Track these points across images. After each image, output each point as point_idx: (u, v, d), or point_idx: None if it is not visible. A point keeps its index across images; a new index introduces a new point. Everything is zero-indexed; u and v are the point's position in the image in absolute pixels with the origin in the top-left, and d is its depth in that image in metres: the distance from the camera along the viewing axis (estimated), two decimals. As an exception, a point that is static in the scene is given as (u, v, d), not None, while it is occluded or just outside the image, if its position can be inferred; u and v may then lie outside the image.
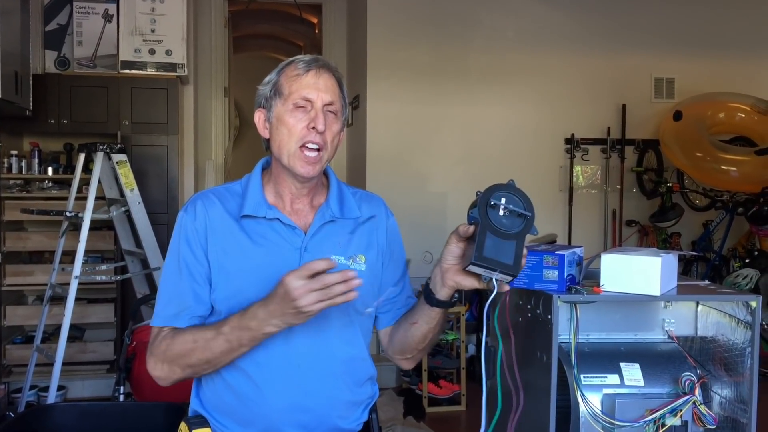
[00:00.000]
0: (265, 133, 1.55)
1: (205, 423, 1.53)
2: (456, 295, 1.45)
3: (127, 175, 3.99)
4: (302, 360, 1.49)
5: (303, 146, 1.47)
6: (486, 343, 1.48)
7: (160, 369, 1.48)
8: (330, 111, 1.50)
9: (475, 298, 4.93)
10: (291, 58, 1.54)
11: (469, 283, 1.35)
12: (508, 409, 1.51)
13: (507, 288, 1.32)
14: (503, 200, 1.27)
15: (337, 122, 1.52)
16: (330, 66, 1.53)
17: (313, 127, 1.46)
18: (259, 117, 1.56)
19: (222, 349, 1.40)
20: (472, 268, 1.28)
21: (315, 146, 1.47)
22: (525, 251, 1.29)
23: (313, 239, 1.52)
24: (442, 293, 1.43)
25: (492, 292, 1.29)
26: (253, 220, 1.51)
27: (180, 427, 1.55)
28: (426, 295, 1.47)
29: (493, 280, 1.27)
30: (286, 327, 1.36)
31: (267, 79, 1.55)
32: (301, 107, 1.48)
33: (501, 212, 1.27)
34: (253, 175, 1.59)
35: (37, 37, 4.68)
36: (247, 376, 1.49)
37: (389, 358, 1.69)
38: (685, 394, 1.42)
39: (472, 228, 1.30)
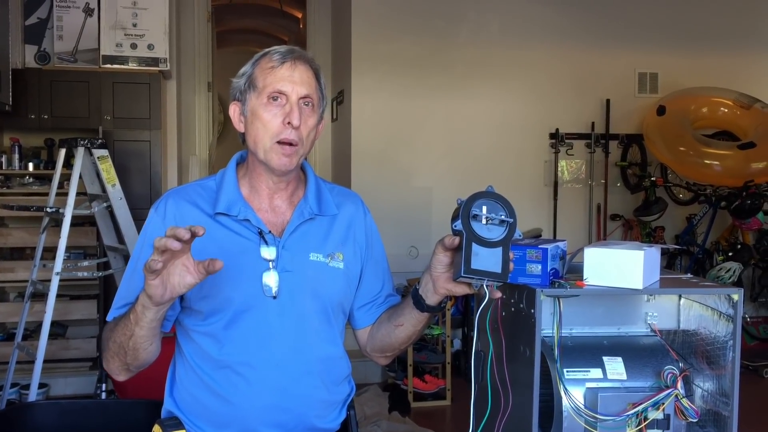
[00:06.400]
0: (240, 126, 1.52)
1: (179, 425, 1.49)
2: (446, 299, 1.43)
3: (108, 171, 3.94)
4: (281, 359, 1.46)
5: (278, 142, 1.44)
6: (476, 346, 1.46)
7: (105, 360, 1.44)
8: (306, 104, 1.47)
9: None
10: (266, 50, 1.49)
11: (461, 290, 1.34)
12: (496, 410, 1.50)
13: (498, 294, 1.31)
14: (484, 209, 1.28)
15: (313, 115, 1.49)
16: (306, 57, 1.49)
17: (288, 122, 1.43)
18: (233, 110, 1.52)
19: (127, 321, 1.34)
20: (461, 280, 1.29)
21: (290, 142, 1.44)
22: (512, 255, 1.29)
23: (292, 237, 1.50)
24: (433, 299, 1.41)
25: (484, 298, 1.29)
26: (227, 217, 1.48)
27: (153, 429, 1.50)
28: (416, 301, 1.44)
29: (484, 286, 1.28)
30: (149, 296, 1.25)
31: (242, 71, 1.50)
32: (275, 101, 1.44)
33: (483, 221, 1.27)
34: (227, 170, 1.55)
35: (16, 31, 4.60)
36: (224, 376, 1.46)
37: (366, 355, 1.66)
38: (668, 387, 1.43)
39: (457, 239, 1.29)
